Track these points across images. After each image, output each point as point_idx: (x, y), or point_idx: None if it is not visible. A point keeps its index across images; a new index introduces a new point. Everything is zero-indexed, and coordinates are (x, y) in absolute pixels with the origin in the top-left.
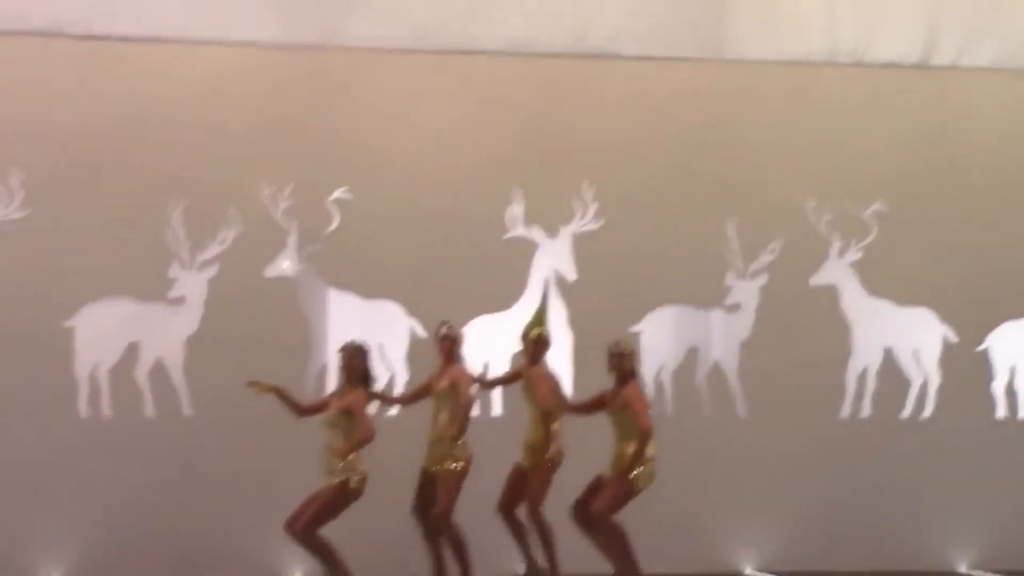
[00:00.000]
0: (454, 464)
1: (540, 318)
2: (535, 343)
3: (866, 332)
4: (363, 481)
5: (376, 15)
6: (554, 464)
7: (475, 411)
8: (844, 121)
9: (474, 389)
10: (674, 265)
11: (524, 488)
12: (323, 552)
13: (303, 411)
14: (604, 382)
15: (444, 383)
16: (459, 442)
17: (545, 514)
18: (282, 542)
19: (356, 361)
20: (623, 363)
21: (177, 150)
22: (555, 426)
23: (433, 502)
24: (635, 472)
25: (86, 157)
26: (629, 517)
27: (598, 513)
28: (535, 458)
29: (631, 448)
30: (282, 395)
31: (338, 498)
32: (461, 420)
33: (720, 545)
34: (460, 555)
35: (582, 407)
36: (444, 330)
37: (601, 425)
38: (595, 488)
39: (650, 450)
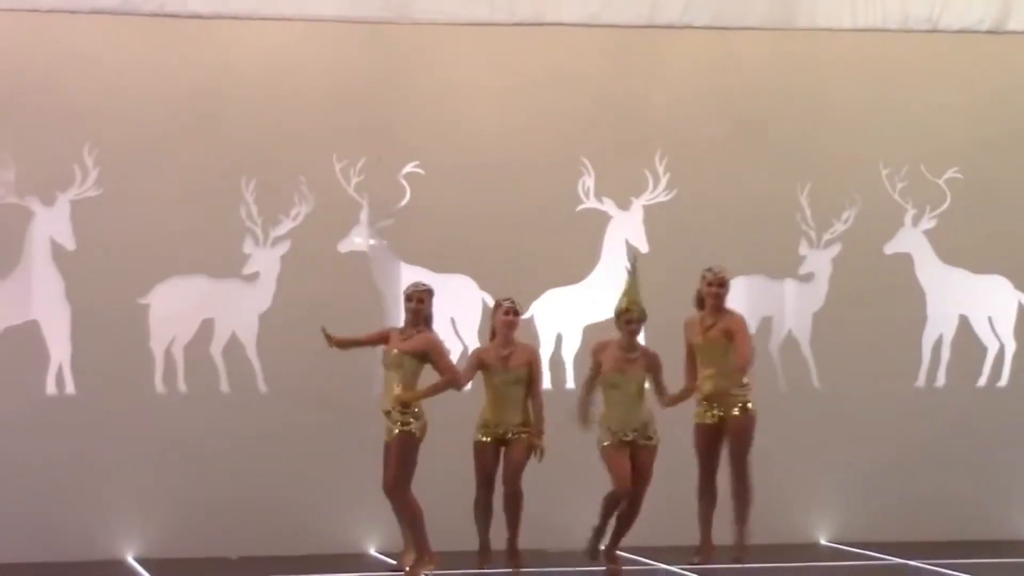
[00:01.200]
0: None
1: (630, 292)
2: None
3: (941, 300)
4: (425, 427)
5: None
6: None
7: (548, 385)
8: (918, 89)
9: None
10: (747, 235)
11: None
12: (412, 515)
13: (362, 343)
14: (673, 352)
15: (522, 366)
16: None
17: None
18: (357, 515)
19: (425, 304)
20: (723, 292)
21: (250, 126)
22: None
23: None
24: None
25: (160, 135)
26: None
27: (744, 465)
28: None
29: (732, 379)
30: (344, 343)
31: (407, 446)
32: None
33: (794, 516)
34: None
35: (690, 361)
36: (508, 304)
37: None
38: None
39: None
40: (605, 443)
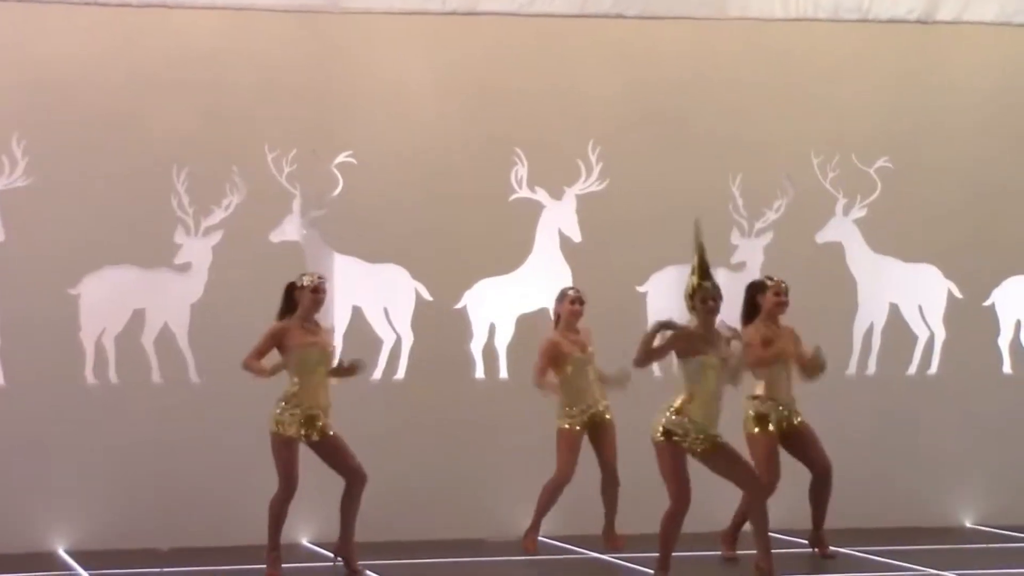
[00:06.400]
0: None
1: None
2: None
3: (871, 289)
4: None
5: None
6: None
7: (482, 375)
8: (849, 78)
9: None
10: (679, 225)
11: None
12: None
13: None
14: (610, 342)
15: (590, 347)
16: None
17: None
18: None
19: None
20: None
21: (181, 116)
22: None
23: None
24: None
25: (89, 124)
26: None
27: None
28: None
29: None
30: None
31: None
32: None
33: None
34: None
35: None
36: (575, 293)
37: None
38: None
39: None
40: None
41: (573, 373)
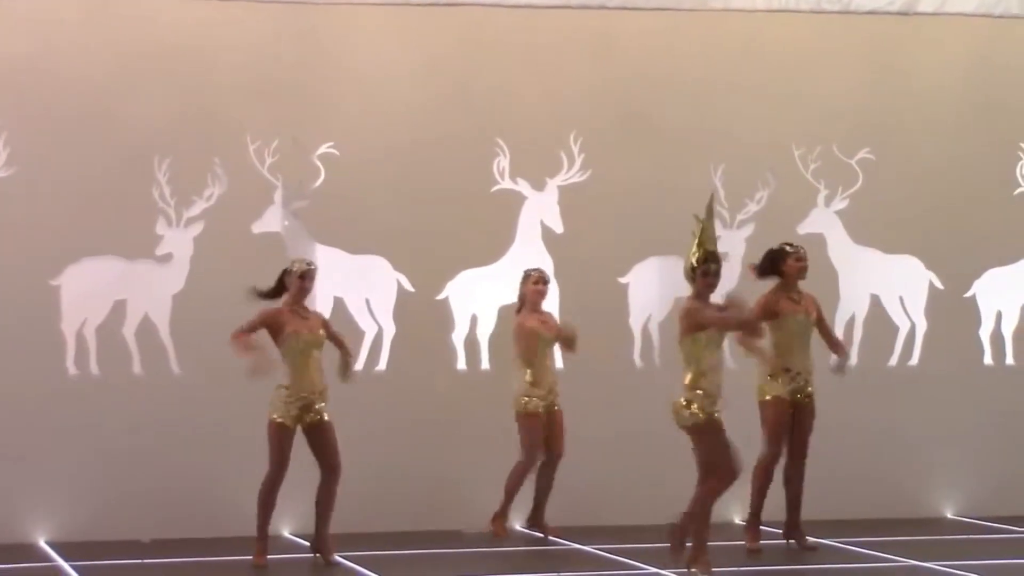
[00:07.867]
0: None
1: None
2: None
3: (853, 280)
4: None
5: None
6: None
7: (464, 366)
8: (831, 70)
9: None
10: (661, 216)
11: None
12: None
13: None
14: (591, 333)
15: (554, 329)
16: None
17: None
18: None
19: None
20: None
21: (162, 107)
22: None
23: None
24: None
25: (71, 115)
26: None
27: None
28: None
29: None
30: None
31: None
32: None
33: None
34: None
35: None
36: (538, 274)
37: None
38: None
39: None
40: (701, 417)
41: (540, 355)
